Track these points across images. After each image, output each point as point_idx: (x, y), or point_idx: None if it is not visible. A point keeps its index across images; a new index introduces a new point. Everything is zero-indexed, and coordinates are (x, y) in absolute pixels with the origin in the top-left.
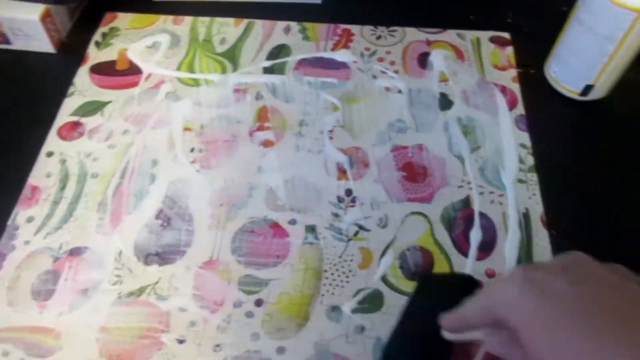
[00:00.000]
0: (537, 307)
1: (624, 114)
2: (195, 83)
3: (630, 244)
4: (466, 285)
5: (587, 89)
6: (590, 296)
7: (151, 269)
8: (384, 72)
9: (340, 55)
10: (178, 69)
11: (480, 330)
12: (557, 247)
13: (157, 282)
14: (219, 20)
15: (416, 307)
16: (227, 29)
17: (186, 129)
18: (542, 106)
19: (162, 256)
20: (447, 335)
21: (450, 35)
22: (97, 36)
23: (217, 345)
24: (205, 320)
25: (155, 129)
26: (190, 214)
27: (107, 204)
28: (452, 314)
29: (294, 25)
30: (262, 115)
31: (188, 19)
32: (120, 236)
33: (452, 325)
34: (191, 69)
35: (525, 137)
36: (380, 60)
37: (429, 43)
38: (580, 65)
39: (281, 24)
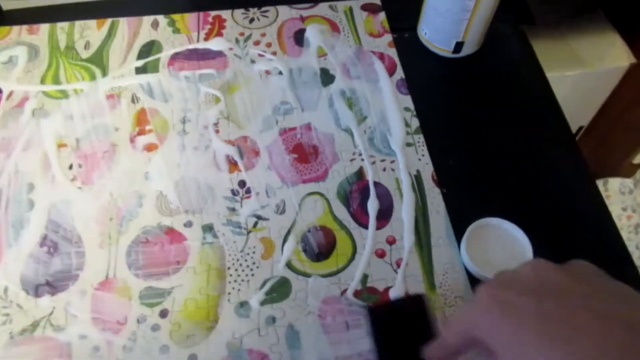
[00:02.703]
0: (513, 331)
1: (495, 65)
2: (64, 95)
3: (513, 190)
4: (416, 304)
5: (458, 46)
6: (558, 314)
7: (43, 300)
8: (261, 55)
9: (215, 44)
10: (42, 82)
11: (464, 356)
12: (449, 203)
13: (51, 313)
14: (79, 23)
15: (383, 346)
16: (89, 32)
17: (60, 145)
18: (420, 68)
19: (54, 284)
20: None
21: (323, 8)
22: None
23: None
24: (109, 343)
25: (26, 151)
26: (78, 234)
27: None
28: (435, 344)
29: (162, 18)
30: (141, 119)
31: (45, 27)
32: (3, 272)
33: (436, 355)
34: (56, 81)
35: (408, 101)
36: (257, 43)
37: (302, 19)
38: (446, 24)
39: (148, 19)
